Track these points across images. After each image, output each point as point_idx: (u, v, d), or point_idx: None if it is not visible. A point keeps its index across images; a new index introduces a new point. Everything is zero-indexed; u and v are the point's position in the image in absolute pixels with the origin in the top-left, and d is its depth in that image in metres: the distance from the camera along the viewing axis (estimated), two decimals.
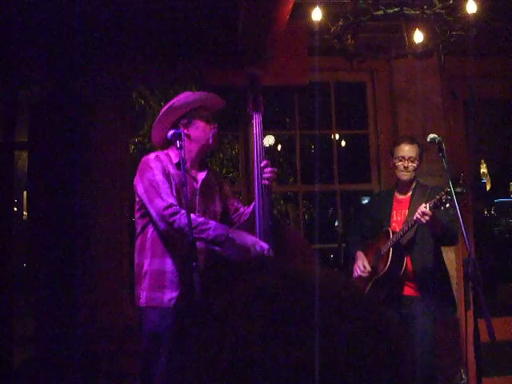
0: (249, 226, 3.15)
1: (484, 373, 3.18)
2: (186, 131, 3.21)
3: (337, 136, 5.85)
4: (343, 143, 7.97)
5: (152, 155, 3.23)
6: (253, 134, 3.30)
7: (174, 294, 3.07)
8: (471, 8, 3.63)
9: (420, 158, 3.93)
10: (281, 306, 0.63)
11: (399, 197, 4.00)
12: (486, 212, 9.41)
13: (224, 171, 9.04)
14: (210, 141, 3.24)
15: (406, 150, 3.91)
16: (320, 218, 8.43)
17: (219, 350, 0.62)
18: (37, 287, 4.48)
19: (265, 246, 2.98)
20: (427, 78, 4.98)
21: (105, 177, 4.62)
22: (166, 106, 3.24)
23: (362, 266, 3.88)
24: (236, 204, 3.47)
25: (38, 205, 4.59)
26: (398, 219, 3.92)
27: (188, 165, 3.20)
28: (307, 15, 3.91)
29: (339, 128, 5.67)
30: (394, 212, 3.97)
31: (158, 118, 3.25)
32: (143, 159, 3.22)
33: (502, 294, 6.78)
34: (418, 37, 3.88)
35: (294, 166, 6.38)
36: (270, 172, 3.20)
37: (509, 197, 9.74)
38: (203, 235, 2.92)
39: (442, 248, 4.00)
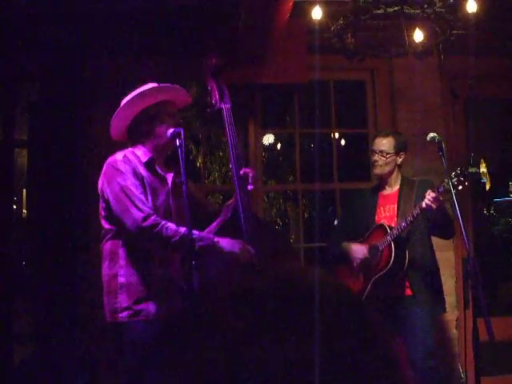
0: (230, 228, 2.97)
1: (483, 372, 3.18)
2: (148, 127, 2.98)
3: (336, 135, 5.85)
4: (343, 142, 7.97)
5: (119, 155, 2.95)
6: (224, 127, 3.13)
7: (160, 304, 2.86)
8: (471, 7, 3.63)
9: (397, 152, 3.78)
10: (273, 306, 0.63)
11: (385, 192, 3.89)
12: (485, 211, 9.41)
13: (224, 170, 9.03)
14: (172, 138, 2.91)
15: (376, 143, 3.84)
16: (319, 217, 8.42)
17: (211, 350, 0.62)
18: (36, 285, 4.48)
19: (251, 249, 2.85)
20: (427, 77, 4.98)
21: None
22: (134, 94, 2.98)
23: (359, 251, 3.71)
24: (203, 202, 3.32)
25: (38, 203, 4.59)
26: (386, 215, 3.80)
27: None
28: (307, 14, 3.91)
29: (339, 127, 5.67)
30: (381, 208, 3.85)
31: (120, 109, 2.99)
32: (109, 161, 2.96)
33: (500, 293, 6.77)
34: (418, 36, 3.88)
35: (293, 165, 6.38)
36: (253, 177, 3.00)
37: (508, 196, 9.73)
38: (187, 247, 2.69)
39: (442, 247, 3.99)
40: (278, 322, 0.61)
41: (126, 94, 4.93)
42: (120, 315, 2.85)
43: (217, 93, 3.17)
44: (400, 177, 3.88)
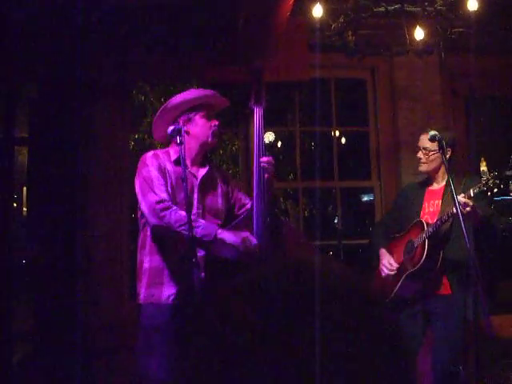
0: (245, 223, 3.12)
1: (483, 370, 3.18)
2: (185, 128, 3.16)
3: (337, 133, 5.84)
4: (343, 140, 7.96)
5: (150, 153, 3.23)
6: (253, 126, 3.28)
7: (173, 291, 3.05)
8: (472, 5, 3.63)
9: (442, 151, 3.53)
10: (282, 295, 0.63)
11: (432, 188, 3.81)
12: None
13: (224, 167, 9.03)
14: (209, 138, 3.20)
15: (421, 139, 3.75)
16: (320, 215, 8.43)
17: (220, 338, 0.62)
18: (36, 283, 4.48)
19: (254, 240, 2.97)
20: (428, 75, 4.97)
21: (104, 173, 4.62)
22: (166, 104, 3.23)
23: (388, 264, 3.71)
24: (243, 200, 3.41)
25: (38, 201, 4.59)
26: (430, 210, 3.74)
27: (188, 161, 3.15)
28: (308, 11, 3.90)
29: (339, 125, 5.66)
30: (426, 203, 3.78)
31: (157, 115, 3.24)
32: (141, 157, 3.22)
33: (501, 292, 6.78)
34: (419, 34, 3.88)
35: (293, 163, 6.38)
36: (268, 163, 3.16)
37: (509, 195, 9.75)
38: (192, 233, 2.85)
39: None
40: (288, 310, 0.61)
41: (126, 92, 4.95)
42: (140, 297, 3.12)
43: (254, 95, 3.30)
44: (447, 173, 3.64)
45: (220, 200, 3.29)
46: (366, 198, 9.65)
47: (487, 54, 4.98)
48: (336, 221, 8.97)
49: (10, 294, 4.40)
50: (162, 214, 2.95)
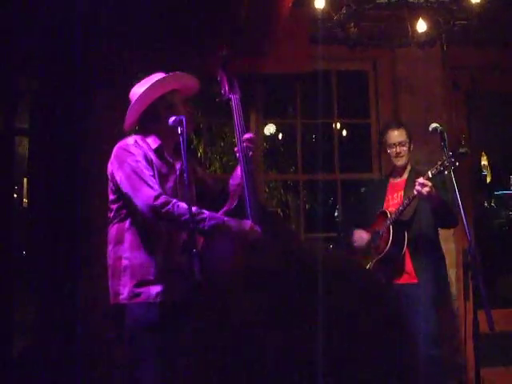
0: (238, 210, 3.07)
1: (482, 363, 3.19)
2: (158, 115, 3.03)
3: (338, 125, 5.83)
4: (344, 132, 7.94)
5: (130, 140, 3.03)
6: (233, 116, 3.18)
7: (161, 288, 2.91)
8: None
9: (410, 140, 3.92)
10: (283, 281, 0.63)
11: (394, 181, 3.99)
12: (486, 204, 9.42)
13: (225, 159, 9.01)
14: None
15: (395, 135, 3.93)
16: (320, 208, 8.41)
17: (221, 328, 0.62)
18: (36, 274, 4.47)
19: (259, 229, 2.93)
20: (429, 67, 4.96)
21: (104, 163, 4.60)
22: (146, 85, 3.01)
23: (359, 236, 3.85)
24: (208, 179, 3.37)
25: (38, 192, 4.59)
26: (394, 202, 3.89)
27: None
28: (310, 3, 3.89)
29: (341, 117, 5.65)
30: (389, 196, 3.94)
31: (132, 104, 3.03)
32: (120, 144, 3.03)
33: (501, 286, 6.78)
34: (421, 26, 3.87)
35: (294, 155, 6.37)
36: (250, 140, 3.09)
37: (509, 189, 9.73)
38: (199, 226, 2.79)
39: (443, 239, 3.98)
40: (290, 296, 0.61)
41: (126, 85, 4.93)
42: (121, 297, 2.94)
43: (226, 83, 3.22)
44: (409, 166, 3.96)
45: (193, 188, 3.14)
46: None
47: (490, 46, 4.96)
48: (336, 213, 8.97)
49: (10, 284, 4.40)
50: (164, 210, 2.79)
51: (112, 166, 3.02)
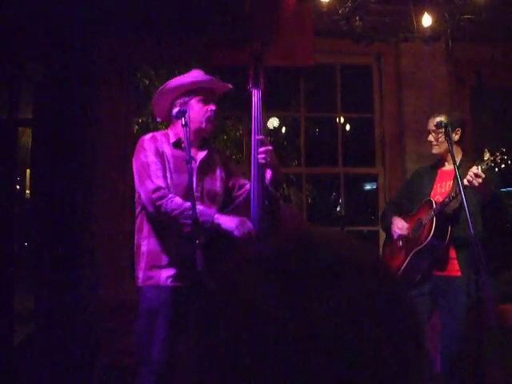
0: (244, 206, 3.11)
1: (484, 358, 3.18)
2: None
3: (342, 119, 5.81)
4: (348, 126, 7.92)
5: (148, 136, 3.21)
6: (252, 109, 3.22)
7: (172, 273, 3.06)
8: None
9: (447, 133, 3.50)
10: (288, 266, 0.63)
11: (444, 169, 3.78)
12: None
13: (228, 153, 9.00)
14: (203, 124, 3.16)
15: (430, 122, 3.72)
16: (323, 202, 8.42)
17: (227, 316, 0.62)
18: (38, 265, 4.49)
19: (250, 225, 2.96)
20: (434, 62, 4.94)
21: (107, 155, 4.61)
22: (163, 86, 3.19)
23: (399, 224, 3.72)
24: (242, 181, 3.39)
25: (41, 183, 4.59)
26: (441, 191, 3.70)
27: (185, 144, 2.94)
28: None
29: (344, 111, 5.64)
30: (438, 184, 3.76)
31: (155, 97, 3.22)
32: (139, 140, 3.21)
33: (504, 281, 6.78)
34: (427, 20, 3.85)
35: (297, 149, 6.36)
36: (264, 152, 3.10)
37: None
38: (188, 221, 2.87)
39: None
40: (294, 281, 0.61)
41: (130, 75, 4.92)
42: (139, 280, 3.13)
43: (253, 77, 3.26)
44: (461, 154, 3.71)
45: (218, 183, 3.26)
46: (368, 187, 9.62)
47: (495, 42, 4.93)
48: (338, 208, 8.96)
49: (12, 275, 4.41)
50: (159, 203, 2.95)
51: (132, 160, 3.20)
